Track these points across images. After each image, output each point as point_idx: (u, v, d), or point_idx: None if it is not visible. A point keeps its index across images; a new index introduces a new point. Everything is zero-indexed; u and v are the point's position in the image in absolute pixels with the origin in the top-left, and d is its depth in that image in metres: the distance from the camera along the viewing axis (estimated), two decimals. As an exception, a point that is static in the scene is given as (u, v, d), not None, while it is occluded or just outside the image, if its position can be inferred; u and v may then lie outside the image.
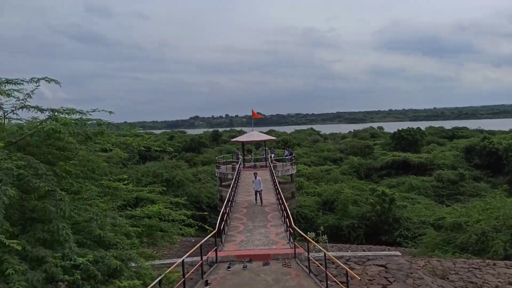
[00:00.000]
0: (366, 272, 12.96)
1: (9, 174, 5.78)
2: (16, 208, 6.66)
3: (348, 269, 10.03)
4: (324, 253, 11.13)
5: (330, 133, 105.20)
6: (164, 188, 11.75)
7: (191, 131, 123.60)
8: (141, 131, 10.37)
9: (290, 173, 30.82)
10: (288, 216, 14.83)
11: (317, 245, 12.53)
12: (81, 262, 5.87)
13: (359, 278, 10.20)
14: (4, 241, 5.12)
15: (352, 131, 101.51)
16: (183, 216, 9.81)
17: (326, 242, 20.03)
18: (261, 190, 20.60)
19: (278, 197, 20.47)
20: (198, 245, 11.35)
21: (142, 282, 7.20)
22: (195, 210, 18.39)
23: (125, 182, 10.32)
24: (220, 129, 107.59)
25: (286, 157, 33.52)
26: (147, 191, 10.31)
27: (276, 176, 25.84)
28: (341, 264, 10.92)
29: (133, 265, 8.20)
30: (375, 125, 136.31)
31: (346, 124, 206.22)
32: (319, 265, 11.67)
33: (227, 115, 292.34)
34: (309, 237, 13.62)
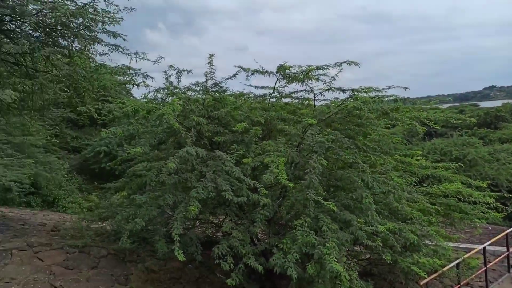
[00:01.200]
0: None
1: (322, 147, 6.79)
2: (325, 176, 7.74)
3: None
4: None
5: None
6: (462, 164, 10.71)
7: (485, 104, 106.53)
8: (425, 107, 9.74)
9: None
10: None
11: None
12: (382, 230, 6.21)
13: None
14: (322, 202, 6.05)
15: None
16: (487, 198, 8.67)
17: None
18: None
19: None
20: (503, 233, 9.78)
21: (441, 262, 6.93)
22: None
23: (417, 157, 10.11)
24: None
25: None
26: (442, 169, 9.69)
27: None
28: None
29: (428, 242, 8.02)
30: None
31: None
32: None
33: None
34: None
